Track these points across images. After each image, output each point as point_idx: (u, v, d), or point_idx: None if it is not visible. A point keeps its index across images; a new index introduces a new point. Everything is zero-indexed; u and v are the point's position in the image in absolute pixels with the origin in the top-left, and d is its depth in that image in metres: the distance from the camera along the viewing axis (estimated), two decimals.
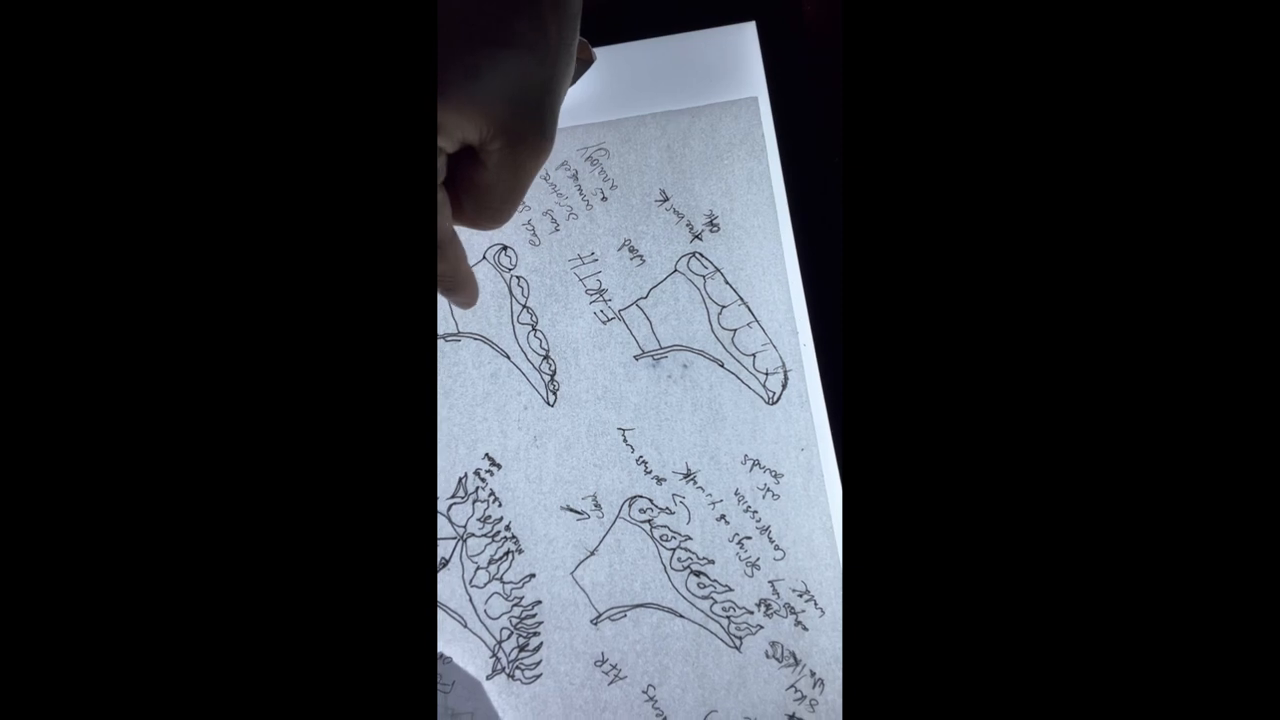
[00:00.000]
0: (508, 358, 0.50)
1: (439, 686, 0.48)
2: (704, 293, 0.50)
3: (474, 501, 0.49)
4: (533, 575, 0.48)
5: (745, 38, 0.51)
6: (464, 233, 0.51)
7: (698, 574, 0.47)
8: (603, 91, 0.51)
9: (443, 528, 0.49)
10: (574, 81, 0.50)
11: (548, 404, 0.49)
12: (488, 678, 0.47)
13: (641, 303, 0.50)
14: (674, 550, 0.47)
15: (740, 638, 0.46)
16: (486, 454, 0.49)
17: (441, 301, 0.50)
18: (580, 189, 0.51)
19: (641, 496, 0.48)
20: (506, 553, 0.48)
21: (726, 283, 0.50)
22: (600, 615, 0.47)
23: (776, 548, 0.47)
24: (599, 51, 0.49)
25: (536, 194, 0.51)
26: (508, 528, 0.48)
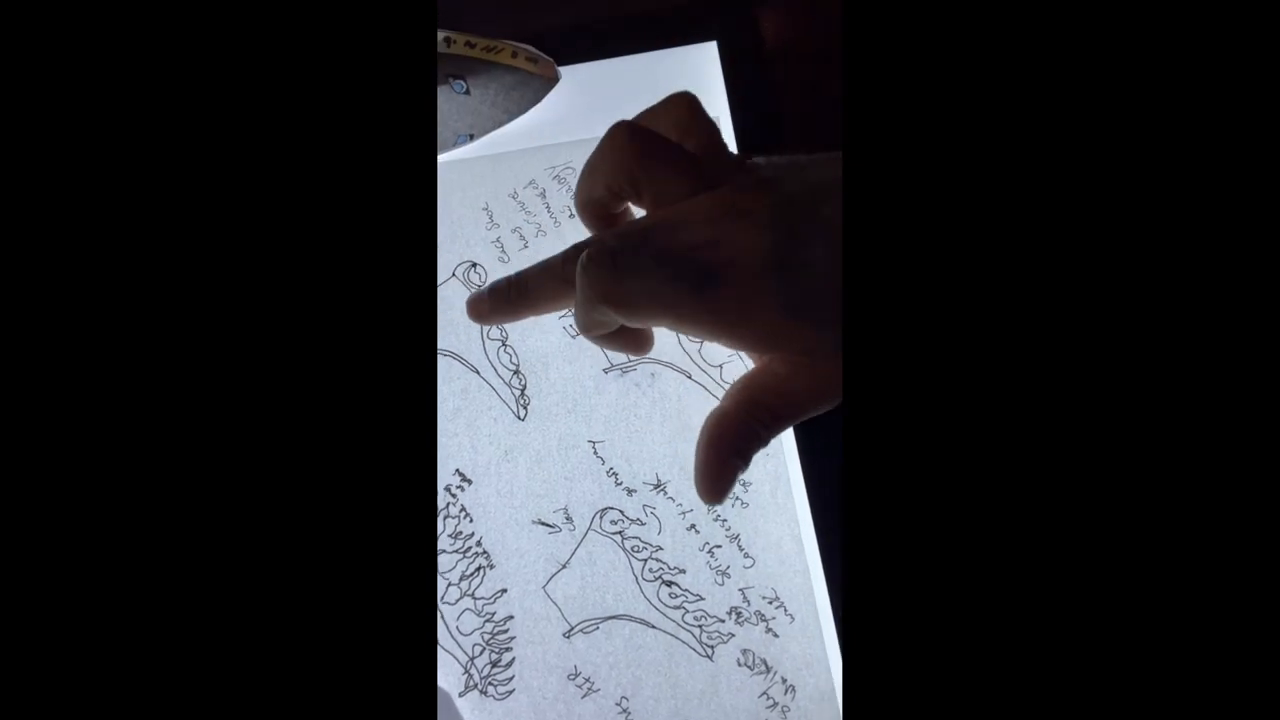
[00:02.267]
0: (478, 373, 0.50)
1: None
2: None
3: (445, 517, 0.49)
4: (504, 590, 0.48)
5: (706, 58, 0.53)
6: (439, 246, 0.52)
7: (669, 584, 0.48)
8: (568, 111, 0.52)
9: None
10: (538, 100, 0.51)
11: (518, 418, 0.50)
12: (460, 695, 0.47)
13: None
14: (645, 561, 0.48)
15: (712, 646, 0.47)
16: (457, 470, 0.49)
17: None
18: (548, 207, 0.52)
19: (612, 508, 0.48)
20: (478, 568, 0.48)
21: None
22: (572, 628, 0.47)
23: (746, 555, 0.48)
24: (564, 71, 0.50)
25: (505, 212, 0.52)
26: (479, 543, 0.48)
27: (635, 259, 0.24)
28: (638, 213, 0.28)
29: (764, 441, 0.24)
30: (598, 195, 0.27)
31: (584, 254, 0.24)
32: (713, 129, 0.27)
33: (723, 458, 0.24)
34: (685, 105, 0.27)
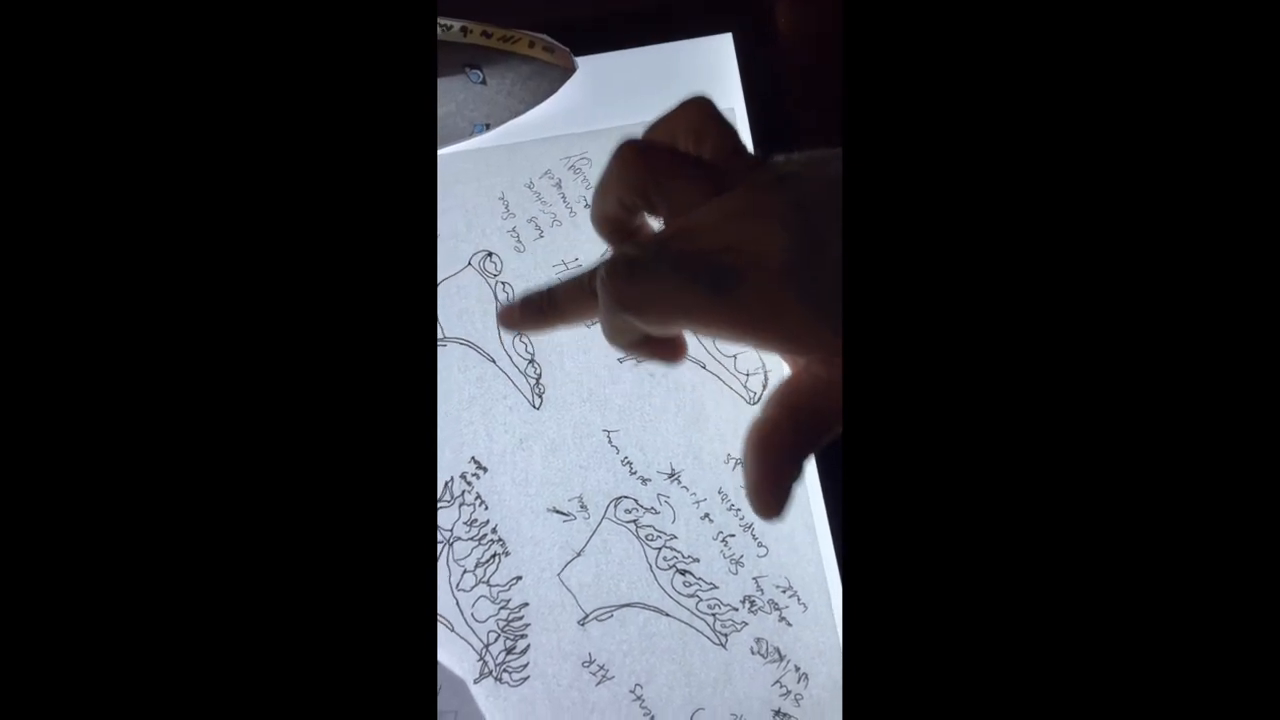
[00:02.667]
0: (493, 362, 0.51)
1: None
2: None
3: (460, 505, 0.49)
4: (519, 577, 0.48)
5: (722, 49, 0.53)
6: (448, 237, 0.52)
7: (683, 572, 0.48)
8: (584, 102, 0.53)
9: None
10: (554, 90, 0.51)
11: (533, 407, 0.50)
12: (475, 681, 0.47)
13: None
14: (659, 549, 0.48)
15: (726, 635, 0.47)
16: (473, 457, 0.49)
17: None
18: (564, 197, 0.52)
19: (627, 497, 0.49)
20: (493, 555, 0.49)
21: None
22: (587, 616, 0.48)
23: (759, 544, 0.48)
24: (580, 61, 0.51)
25: (521, 201, 0.52)
26: (494, 530, 0.49)
27: (652, 265, 0.24)
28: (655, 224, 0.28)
29: (816, 447, 0.24)
30: (612, 212, 0.27)
31: (603, 265, 0.25)
32: (728, 130, 0.27)
33: (778, 469, 0.24)
34: (698, 109, 0.27)
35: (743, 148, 0.27)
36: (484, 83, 0.49)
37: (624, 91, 0.53)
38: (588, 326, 0.50)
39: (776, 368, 0.50)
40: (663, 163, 0.26)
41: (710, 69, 0.53)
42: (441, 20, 0.44)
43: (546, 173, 0.52)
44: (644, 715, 0.46)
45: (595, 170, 0.52)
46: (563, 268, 0.51)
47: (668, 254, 0.24)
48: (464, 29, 0.45)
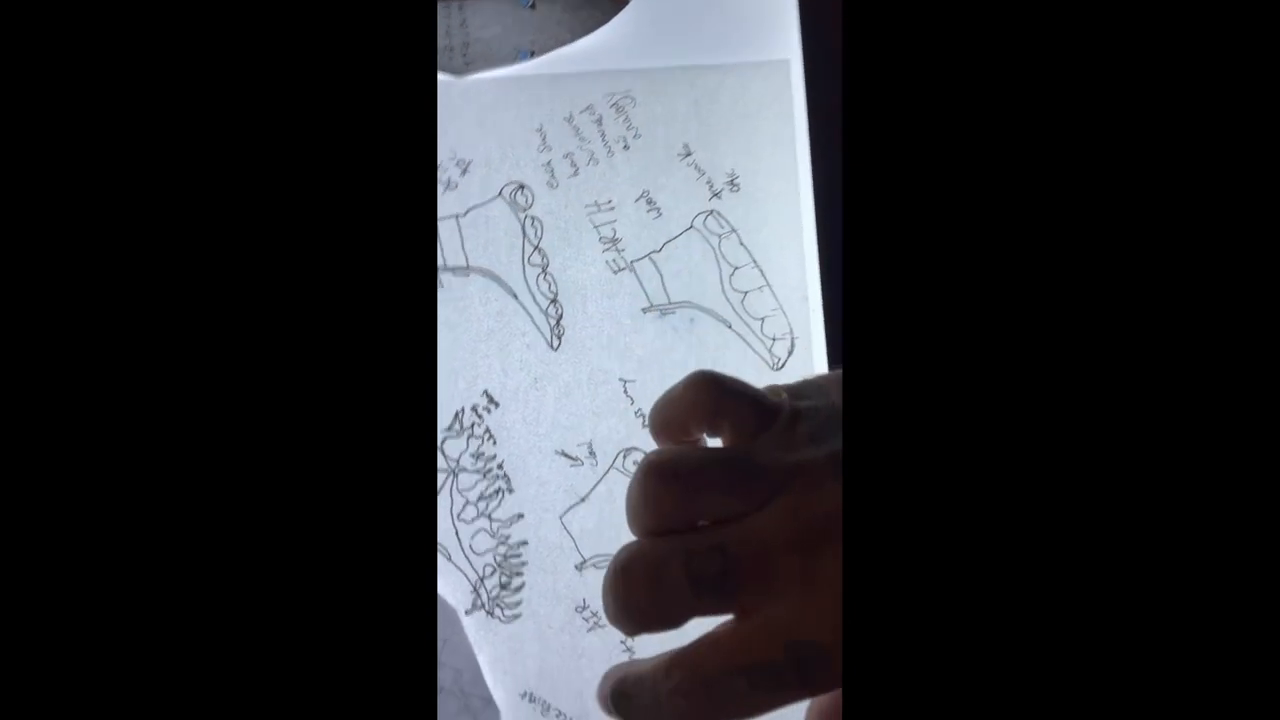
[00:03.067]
0: (515, 297, 0.50)
1: None
2: (718, 252, 0.50)
3: (469, 437, 0.49)
4: (521, 515, 0.48)
5: None
6: (481, 165, 0.51)
7: None
8: (635, 36, 0.51)
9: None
10: (605, 21, 0.49)
11: (551, 347, 0.49)
12: (467, 613, 0.48)
13: (654, 256, 0.50)
14: None
15: None
16: (485, 391, 0.49)
17: (453, 232, 0.50)
18: (603, 135, 0.50)
19: (637, 449, 0.48)
20: (497, 491, 0.48)
21: (741, 244, 0.50)
22: (585, 561, 0.48)
23: None
24: None
25: (559, 135, 0.51)
26: (500, 466, 0.48)
27: (727, 682, 0.21)
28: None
29: None
30: (671, 525, 0.23)
31: (675, 683, 0.22)
32: (743, 403, 0.24)
33: None
34: (706, 393, 0.24)
35: (763, 415, 0.24)
36: (533, 7, 0.47)
37: (677, 30, 0.51)
38: (603, 250, 0.49)
39: (804, 334, 0.49)
40: (697, 482, 0.23)
41: (769, 17, 0.50)
42: None
43: (588, 108, 0.51)
44: None
45: (639, 110, 0.50)
46: (595, 209, 0.50)
47: (732, 667, 0.21)
48: None
